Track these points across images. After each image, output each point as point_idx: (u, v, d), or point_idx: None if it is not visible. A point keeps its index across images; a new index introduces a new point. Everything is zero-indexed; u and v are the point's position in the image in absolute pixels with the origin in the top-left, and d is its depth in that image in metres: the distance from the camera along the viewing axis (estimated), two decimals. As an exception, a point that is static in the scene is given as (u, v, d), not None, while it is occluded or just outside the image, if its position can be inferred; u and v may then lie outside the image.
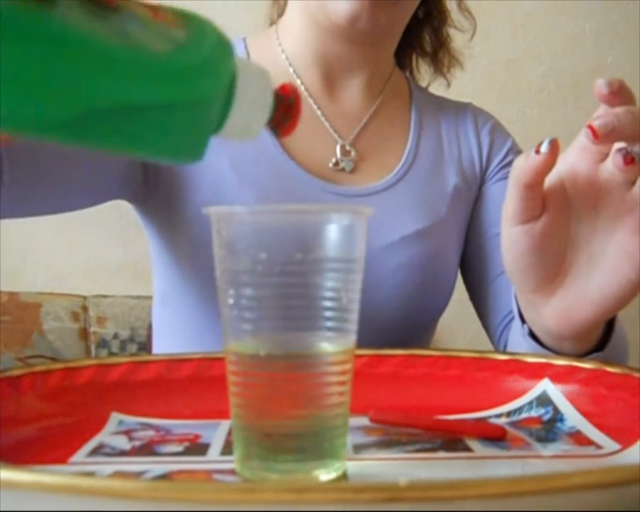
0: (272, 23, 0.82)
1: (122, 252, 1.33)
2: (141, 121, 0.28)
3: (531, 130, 1.40)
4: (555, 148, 0.45)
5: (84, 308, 1.13)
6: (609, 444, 0.41)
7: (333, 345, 0.35)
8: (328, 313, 0.35)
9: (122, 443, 0.41)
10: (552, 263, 0.49)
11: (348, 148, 0.75)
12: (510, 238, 0.49)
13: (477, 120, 0.82)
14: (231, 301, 0.35)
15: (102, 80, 0.26)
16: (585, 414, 0.44)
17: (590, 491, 0.25)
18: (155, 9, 0.29)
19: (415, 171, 0.76)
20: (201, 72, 0.29)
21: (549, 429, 0.44)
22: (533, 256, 0.48)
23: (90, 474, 0.35)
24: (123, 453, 0.40)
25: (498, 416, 0.47)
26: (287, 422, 0.35)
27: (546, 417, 0.45)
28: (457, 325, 1.25)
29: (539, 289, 0.50)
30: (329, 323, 0.35)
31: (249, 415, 0.35)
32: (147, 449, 0.40)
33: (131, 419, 0.45)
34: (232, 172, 0.69)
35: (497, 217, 0.78)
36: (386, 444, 0.41)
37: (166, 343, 0.77)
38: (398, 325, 0.72)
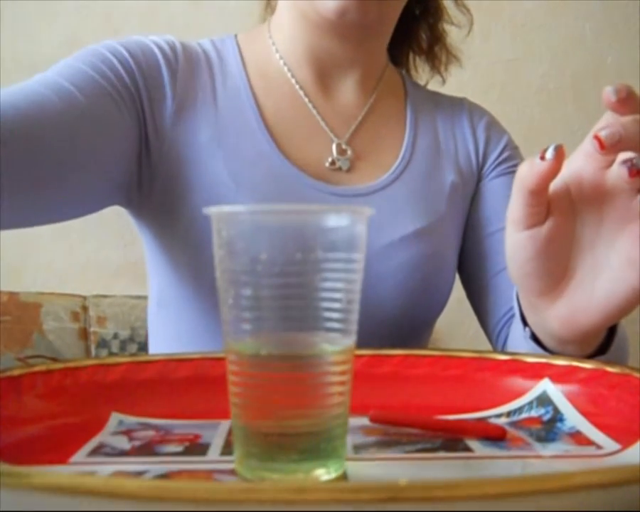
0: (264, 21, 0.82)
1: (122, 252, 1.34)
2: None
3: (531, 130, 1.41)
4: (560, 154, 0.45)
5: (84, 308, 1.13)
6: (609, 444, 0.41)
7: (333, 346, 0.35)
8: (328, 314, 0.35)
9: (122, 443, 0.41)
10: (557, 268, 0.49)
11: (344, 146, 0.74)
12: (514, 243, 0.49)
13: (473, 116, 0.82)
14: (231, 301, 0.35)
15: None
16: (585, 414, 0.44)
17: (590, 491, 0.25)
18: None
19: (412, 168, 0.76)
20: None
21: (549, 429, 0.44)
22: (538, 261, 0.48)
23: (90, 474, 0.35)
24: (123, 453, 0.40)
25: (498, 416, 0.47)
26: (287, 422, 0.35)
27: (546, 417, 0.45)
28: (457, 325, 1.25)
29: (543, 293, 0.49)
30: (329, 324, 0.35)
31: (249, 415, 0.35)
32: (147, 449, 0.40)
33: (131, 419, 0.45)
34: (227, 174, 0.68)
35: (495, 215, 0.78)
36: (386, 444, 0.41)
37: (162, 347, 0.76)
38: (398, 324, 0.72)
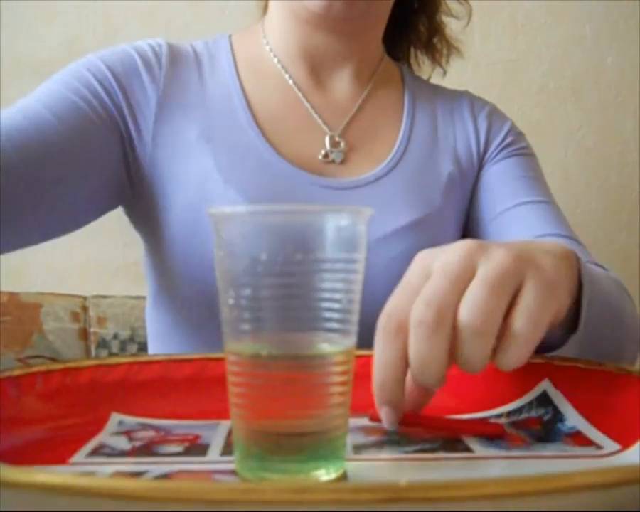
0: (258, 20, 0.83)
1: (122, 252, 1.33)
2: None
3: (531, 130, 1.40)
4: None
5: (84, 309, 1.13)
6: (609, 444, 0.41)
7: (334, 346, 0.35)
8: (328, 314, 0.35)
9: (122, 443, 0.41)
10: None
11: (337, 139, 0.74)
12: None
13: (474, 106, 0.81)
14: (231, 301, 0.35)
15: None
16: (585, 415, 0.44)
17: (590, 491, 0.25)
18: None
19: (408, 159, 0.75)
20: None
21: (549, 429, 0.44)
22: None
23: (90, 474, 0.35)
24: (123, 453, 0.40)
25: (498, 416, 0.47)
26: (287, 422, 0.35)
27: (546, 418, 0.45)
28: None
29: None
30: (329, 324, 0.35)
31: (249, 415, 0.35)
32: (147, 450, 0.40)
33: (131, 420, 0.45)
34: (217, 170, 0.69)
35: (499, 197, 0.77)
36: (386, 444, 0.41)
37: (160, 345, 0.76)
38: None
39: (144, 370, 0.49)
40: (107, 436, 0.42)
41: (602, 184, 1.43)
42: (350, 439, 0.41)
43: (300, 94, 0.75)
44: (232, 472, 0.36)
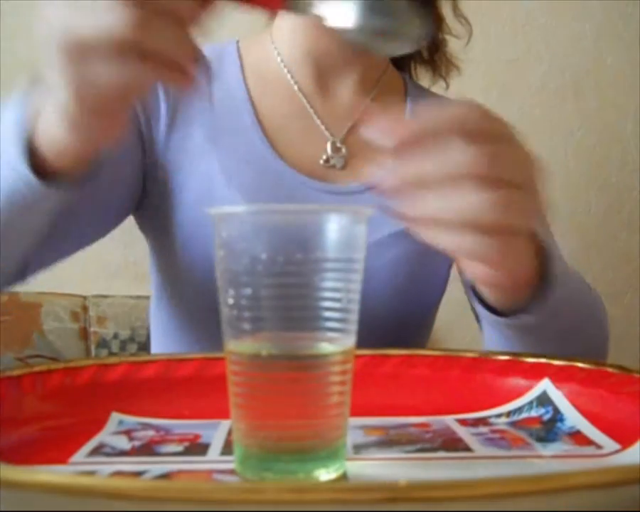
0: (268, 25, 0.83)
1: (122, 252, 1.33)
2: None
3: (531, 130, 1.40)
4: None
5: (84, 308, 1.13)
6: (609, 444, 0.41)
7: (334, 346, 0.35)
8: (328, 314, 0.35)
9: (122, 443, 0.41)
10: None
11: (338, 145, 0.75)
12: None
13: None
14: (231, 301, 0.35)
15: None
16: (585, 414, 0.44)
17: (590, 491, 0.25)
18: None
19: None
20: None
21: (549, 429, 0.44)
22: None
23: (90, 474, 0.35)
24: (123, 453, 0.40)
25: (498, 416, 0.47)
26: (287, 422, 0.35)
27: (546, 417, 0.45)
28: (457, 325, 1.25)
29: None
30: (329, 324, 0.35)
31: (250, 415, 0.35)
32: (147, 449, 0.40)
33: (131, 419, 0.45)
34: (221, 173, 0.70)
35: None
36: (386, 444, 0.41)
37: (163, 341, 0.78)
38: (390, 321, 0.73)
39: (144, 370, 0.49)
40: (107, 435, 0.42)
41: (602, 184, 1.43)
42: (350, 439, 0.41)
43: (304, 100, 0.76)
44: (232, 472, 0.36)
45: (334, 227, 0.35)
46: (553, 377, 0.48)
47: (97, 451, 0.40)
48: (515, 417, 0.46)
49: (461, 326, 1.30)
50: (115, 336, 1.13)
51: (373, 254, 0.70)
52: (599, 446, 0.41)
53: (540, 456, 0.40)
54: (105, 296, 1.15)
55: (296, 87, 0.76)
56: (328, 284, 0.34)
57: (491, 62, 1.40)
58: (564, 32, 1.43)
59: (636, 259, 1.41)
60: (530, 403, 0.47)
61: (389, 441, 0.41)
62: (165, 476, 0.36)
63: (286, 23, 0.76)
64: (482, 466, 0.38)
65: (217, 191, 0.69)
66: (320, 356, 0.35)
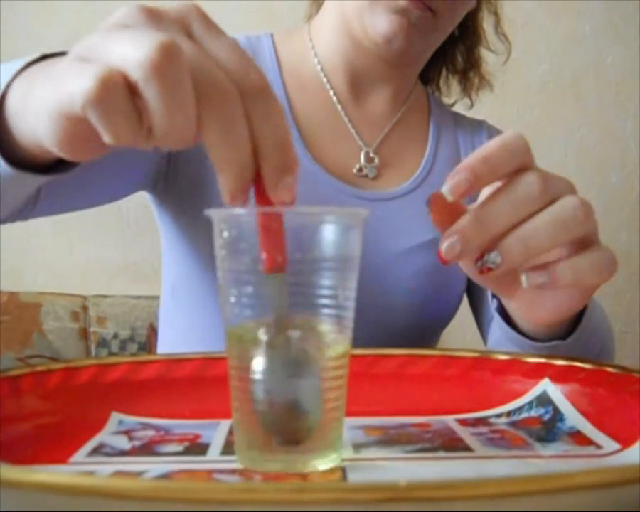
0: (309, 19, 0.83)
1: (122, 252, 1.33)
2: None
3: (531, 130, 1.40)
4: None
5: (84, 308, 1.13)
6: (609, 444, 0.41)
7: (330, 342, 0.36)
8: (325, 310, 0.35)
9: (122, 443, 0.41)
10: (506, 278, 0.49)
11: (372, 155, 0.76)
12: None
13: (491, 135, 0.83)
14: (232, 299, 0.36)
15: None
16: (585, 414, 0.44)
17: (590, 491, 0.25)
18: None
19: (433, 178, 0.78)
20: None
21: (549, 429, 0.44)
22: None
23: (90, 474, 0.35)
24: (123, 453, 0.40)
25: (498, 416, 0.47)
26: (286, 416, 0.35)
27: (546, 417, 0.45)
28: (457, 325, 1.25)
29: (501, 293, 0.50)
30: (326, 320, 0.35)
31: (250, 409, 0.35)
32: (147, 449, 0.40)
33: (131, 419, 0.45)
34: None
35: None
36: (386, 443, 0.41)
37: (172, 337, 0.77)
38: (408, 330, 0.73)
39: (144, 370, 0.49)
40: (107, 435, 0.42)
41: (602, 184, 1.43)
42: (350, 439, 0.41)
43: (339, 106, 0.76)
44: (232, 472, 0.36)
45: (331, 228, 0.35)
46: (553, 377, 0.48)
47: (96, 451, 0.40)
48: (515, 417, 0.46)
49: (461, 326, 1.30)
50: (115, 336, 1.13)
51: (402, 263, 0.72)
52: (599, 446, 0.41)
53: (540, 456, 0.40)
54: (105, 296, 1.15)
55: (331, 92, 0.76)
56: (326, 282, 0.35)
57: (491, 62, 1.40)
58: (564, 32, 1.43)
59: (636, 259, 1.41)
60: (530, 403, 0.47)
61: (389, 441, 0.41)
62: (165, 476, 0.36)
63: (329, 27, 0.76)
64: (482, 466, 0.38)
65: None
66: (317, 351, 0.35)
